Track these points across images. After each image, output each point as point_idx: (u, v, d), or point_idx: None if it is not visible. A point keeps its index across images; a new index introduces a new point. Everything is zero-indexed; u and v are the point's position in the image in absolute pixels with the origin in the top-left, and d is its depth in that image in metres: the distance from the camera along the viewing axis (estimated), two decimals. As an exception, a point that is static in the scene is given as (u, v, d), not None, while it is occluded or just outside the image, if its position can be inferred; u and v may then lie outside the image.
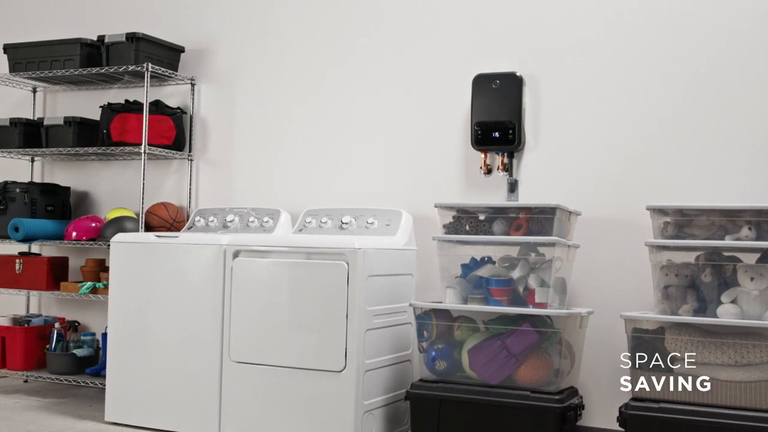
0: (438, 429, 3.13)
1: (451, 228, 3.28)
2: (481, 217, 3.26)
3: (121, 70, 4.04)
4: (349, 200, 3.90)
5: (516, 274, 3.17)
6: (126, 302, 3.60)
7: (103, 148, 4.08)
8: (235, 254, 3.38)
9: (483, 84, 3.57)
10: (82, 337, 4.26)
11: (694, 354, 2.83)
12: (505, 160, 3.56)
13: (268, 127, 4.13)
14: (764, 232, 2.83)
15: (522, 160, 3.57)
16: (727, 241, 2.85)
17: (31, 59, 4.24)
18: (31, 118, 4.54)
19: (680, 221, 2.97)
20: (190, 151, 4.28)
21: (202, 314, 3.43)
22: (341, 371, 3.14)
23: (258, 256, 3.34)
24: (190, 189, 4.28)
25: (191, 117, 4.29)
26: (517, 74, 3.53)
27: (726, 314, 2.83)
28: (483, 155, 3.59)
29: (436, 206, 3.28)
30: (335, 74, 3.98)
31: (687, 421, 2.77)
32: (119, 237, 3.65)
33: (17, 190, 4.23)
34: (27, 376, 4.38)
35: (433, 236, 3.27)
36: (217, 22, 4.28)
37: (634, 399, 2.90)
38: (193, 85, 4.29)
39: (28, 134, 4.32)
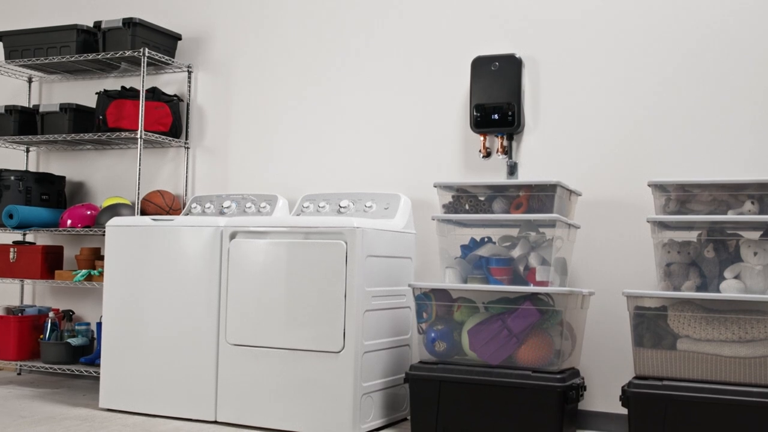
0: (438, 410, 3.09)
1: (451, 208, 3.25)
2: (481, 197, 3.23)
3: (117, 55, 4.01)
4: (347, 185, 3.87)
5: (516, 252, 3.13)
6: (121, 286, 3.55)
7: (99, 134, 4.04)
8: (232, 236, 3.34)
9: (482, 66, 3.55)
10: (76, 327, 4.21)
11: (698, 330, 2.79)
12: (505, 143, 3.53)
13: (266, 115, 4.10)
14: (767, 206, 2.80)
15: (521, 142, 3.54)
16: (730, 216, 2.82)
17: (27, 46, 4.21)
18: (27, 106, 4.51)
19: (682, 197, 2.94)
20: (186, 139, 4.24)
21: (198, 297, 3.38)
22: (339, 352, 3.09)
23: (255, 237, 3.29)
24: (186, 177, 4.24)
25: (188, 105, 4.26)
26: (516, 56, 3.51)
27: (729, 290, 2.80)
28: (482, 138, 3.57)
29: (435, 186, 3.25)
30: (332, 60, 3.96)
31: (691, 398, 2.73)
32: (114, 221, 3.61)
33: (12, 177, 4.18)
34: (20, 366, 4.33)
35: (433, 216, 3.23)
36: (214, 10, 4.26)
37: (637, 377, 2.86)
38: (189, 72, 4.26)
39: (24, 122, 4.28)
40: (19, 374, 4.50)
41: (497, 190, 3.20)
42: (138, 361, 3.48)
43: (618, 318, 3.32)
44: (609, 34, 3.42)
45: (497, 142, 3.55)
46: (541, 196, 3.08)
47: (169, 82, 4.33)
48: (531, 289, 3.01)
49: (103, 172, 4.47)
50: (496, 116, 3.50)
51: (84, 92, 4.50)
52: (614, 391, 3.33)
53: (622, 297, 3.30)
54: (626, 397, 2.83)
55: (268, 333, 3.22)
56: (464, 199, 3.23)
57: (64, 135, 4.11)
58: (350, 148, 3.88)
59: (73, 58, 4.10)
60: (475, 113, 3.53)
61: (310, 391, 3.14)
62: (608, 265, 3.35)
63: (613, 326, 3.33)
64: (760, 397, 2.65)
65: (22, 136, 4.20)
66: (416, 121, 3.75)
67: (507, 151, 3.54)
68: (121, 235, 3.57)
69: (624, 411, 3.27)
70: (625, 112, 3.37)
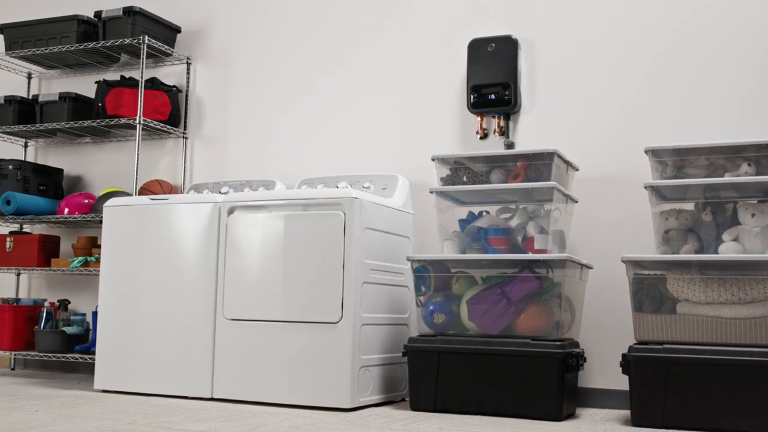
0: (437, 382, 3.06)
1: (449, 181, 3.25)
2: (479, 172, 3.24)
3: (117, 43, 4.04)
4: (345, 170, 3.88)
5: (514, 222, 3.13)
6: (119, 265, 3.53)
7: (98, 120, 4.05)
8: (230, 211, 3.33)
9: (478, 48, 3.59)
10: (72, 317, 4.17)
11: (697, 293, 2.79)
12: (501, 123, 3.56)
13: (264, 106, 4.12)
14: (764, 167, 2.82)
15: (518, 122, 3.57)
16: (727, 178, 2.83)
17: (28, 38, 4.24)
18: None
19: (678, 162, 2.95)
20: (185, 129, 4.26)
21: (196, 273, 3.36)
22: (338, 323, 3.07)
23: (253, 211, 3.29)
24: (184, 167, 4.25)
25: (186, 95, 4.29)
26: (513, 37, 3.55)
27: (728, 251, 2.80)
28: (479, 119, 3.59)
29: (433, 159, 3.26)
30: (328, 50, 4.00)
31: (692, 360, 2.71)
32: (112, 201, 3.60)
33: (10, 167, 4.18)
34: (14, 356, 4.28)
35: (431, 188, 3.23)
36: (213, 2, 4.31)
37: (637, 343, 2.85)
38: (189, 64, 4.30)
39: (23, 113, 4.30)
40: (12, 369, 4.45)
41: (495, 161, 3.21)
42: (134, 340, 3.45)
43: (617, 295, 3.31)
44: (603, 11, 3.47)
45: (494, 123, 3.57)
46: (538, 165, 3.09)
47: (168, 75, 4.36)
48: (529, 256, 3.00)
49: (101, 166, 4.47)
50: (492, 96, 3.53)
51: (83, 87, 4.53)
52: (614, 367, 3.30)
53: (620, 274, 3.29)
54: (626, 362, 2.81)
55: (266, 306, 3.20)
56: (462, 172, 3.24)
57: (63, 123, 4.12)
58: (349, 134, 3.90)
59: (73, 48, 4.13)
60: (472, 94, 3.56)
61: (309, 363, 3.11)
62: (606, 243, 3.35)
63: (613, 302, 3.32)
64: (761, 356, 2.64)
65: (21, 126, 4.21)
66: (414, 105, 3.78)
67: (504, 132, 3.56)
68: (118, 215, 3.56)
69: (624, 387, 3.25)
70: (620, 87, 3.40)
